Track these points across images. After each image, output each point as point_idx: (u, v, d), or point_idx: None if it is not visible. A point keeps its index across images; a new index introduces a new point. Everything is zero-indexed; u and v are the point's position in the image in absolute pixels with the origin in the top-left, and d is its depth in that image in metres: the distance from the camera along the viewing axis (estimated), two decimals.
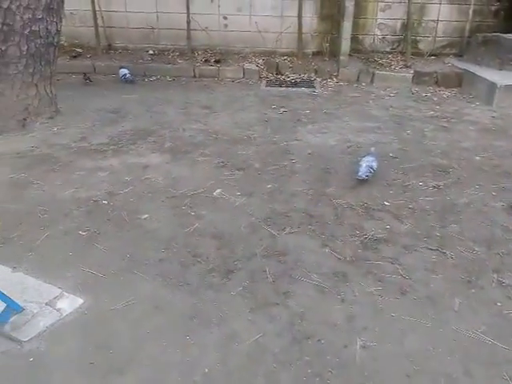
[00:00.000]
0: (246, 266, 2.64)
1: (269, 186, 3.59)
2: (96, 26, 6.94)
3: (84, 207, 3.21)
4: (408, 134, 4.68)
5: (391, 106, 5.55)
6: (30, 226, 2.98)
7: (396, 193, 3.50)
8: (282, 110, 5.42)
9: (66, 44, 6.96)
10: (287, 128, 4.84)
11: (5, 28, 4.12)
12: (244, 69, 6.73)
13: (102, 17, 7.05)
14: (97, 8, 6.90)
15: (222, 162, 3.96)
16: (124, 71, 6.38)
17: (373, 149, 3.89)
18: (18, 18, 4.14)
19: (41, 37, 4.34)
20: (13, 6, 4.08)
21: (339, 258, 2.73)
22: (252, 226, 3.05)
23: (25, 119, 4.53)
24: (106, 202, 3.29)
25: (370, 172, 3.62)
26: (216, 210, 3.23)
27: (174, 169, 3.83)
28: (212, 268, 2.62)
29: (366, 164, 3.65)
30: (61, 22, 4.53)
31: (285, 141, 4.48)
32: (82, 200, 3.31)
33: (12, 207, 3.20)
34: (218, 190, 3.48)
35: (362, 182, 3.59)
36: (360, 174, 3.59)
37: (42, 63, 4.48)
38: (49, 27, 4.37)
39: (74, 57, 6.96)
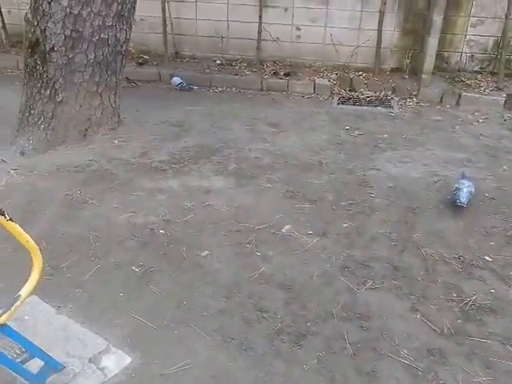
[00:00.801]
0: (321, 329, 2.24)
1: (345, 224, 3.17)
2: (165, 33, 6.78)
3: (139, 236, 2.93)
4: (505, 170, 4.09)
5: (482, 135, 4.95)
6: (81, 255, 2.72)
7: (498, 245, 2.97)
8: (357, 132, 4.97)
9: (133, 51, 6.84)
10: (363, 154, 4.39)
11: (74, 34, 3.96)
12: (315, 83, 6.33)
13: (172, 24, 6.89)
14: (167, 15, 6.74)
15: (291, 192, 3.58)
16: (178, 80, 6.16)
17: (464, 171, 3.45)
18: (87, 24, 3.97)
19: (109, 45, 4.15)
20: (83, 12, 3.91)
21: (434, 330, 2.26)
22: (326, 275, 2.64)
23: (86, 130, 4.36)
24: (163, 231, 3.00)
25: (469, 198, 3.28)
26: (284, 251, 2.85)
27: (238, 196, 3.49)
28: (280, 328, 2.23)
29: (467, 189, 3.28)
30: (130, 29, 4.33)
31: (361, 169, 4.03)
32: (137, 227, 3.03)
33: (64, 230, 2.97)
34: (287, 227, 3.10)
35: (456, 226, 3.10)
36: (463, 200, 3.22)
37: (108, 72, 4.29)
38: (118, 35, 4.17)
39: (141, 64, 6.83)
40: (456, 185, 3.40)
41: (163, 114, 5.20)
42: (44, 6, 3.86)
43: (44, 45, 3.96)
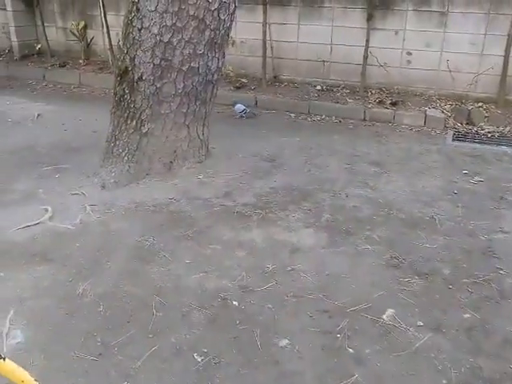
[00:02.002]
0: None
1: (466, 315, 2.40)
2: (264, 56, 6.35)
3: (208, 308, 2.41)
4: None
5: None
6: (139, 329, 2.26)
7: None
8: (477, 178, 4.09)
9: (231, 74, 6.50)
10: (486, 209, 3.53)
11: (163, 63, 3.61)
12: (426, 115, 5.49)
13: (272, 47, 6.44)
14: (267, 37, 6.31)
15: (396, 258, 2.86)
16: (241, 107, 5.62)
17: None
18: (177, 52, 3.59)
19: (199, 74, 3.75)
20: (174, 40, 3.54)
21: None
22: None
23: (171, 162, 3.99)
24: (236, 303, 2.45)
25: None
26: (385, 349, 2.16)
27: (329, 259, 2.85)
28: None
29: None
30: (223, 57, 3.90)
31: (484, 231, 3.19)
32: (208, 294, 2.51)
33: (127, 290, 2.54)
34: (390, 312, 2.40)
35: None
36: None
37: (197, 103, 3.89)
38: (209, 63, 3.76)
39: (238, 88, 6.46)
40: None
41: (255, 146, 4.71)
42: (134, 33, 3.55)
43: (132, 73, 3.66)
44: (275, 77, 6.65)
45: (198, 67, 3.71)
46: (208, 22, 3.55)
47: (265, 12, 6.13)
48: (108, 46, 6.85)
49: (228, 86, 6.36)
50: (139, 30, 3.53)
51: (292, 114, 5.85)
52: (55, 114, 5.73)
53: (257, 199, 3.61)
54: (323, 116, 5.81)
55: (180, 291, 2.54)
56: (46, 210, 3.32)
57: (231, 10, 3.64)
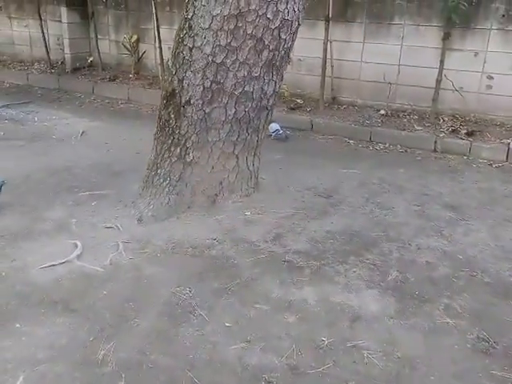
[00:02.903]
0: None
1: None
2: (323, 75, 5.94)
3: None
4: None
5: None
6: None
7: None
8: None
9: (286, 93, 6.13)
10: None
11: (214, 86, 3.27)
12: (509, 148, 4.88)
13: (332, 66, 6.02)
14: (328, 56, 5.90)
15: (485, 340, 2.34)
16: (274, 126, 5.23)
17: None
18: (231, 75, 3.25)
19: (253, 99, 3.38)
20: (227, 61, 3.20)
21: None
22: None
23: (216, 195, 3.64)
24: None
25: None
26: None
27: (399, 335, 2.37)
28: None
29: None
30: (281, 80, 3.53)
31: None
32: (249, 374, 2.10)
33: (154, 359, 2.17)
34: None
35: None
36: None
37: (249, 131, 3.53)
38: (265, 87, 3.39)
39: (293, 109, 6.08)
40: None
41: (310, 177, 4.30)
42: (185, 52, 3.24)
43: (180, 96, 3.34)
44: (334, 98, 6.22)
45: (253, 91, 3.35)
46: (267, 42, 3.18)
47: (327, 29, 5.74)
48: (159, 61, 6.67)
49: (282, 106, 5.99)
50: (190, 49, 3.22)
51: (351, 141, 5.40)
52: (100, 131, 5.56)
53: (311, 246, 3.17)
54: (387, 144, 5.31)
55: (216, 367, 2.14)
56: (76, 246, 3.04)
57: (293, 29, 3.26)
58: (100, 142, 5.15)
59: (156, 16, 6.47)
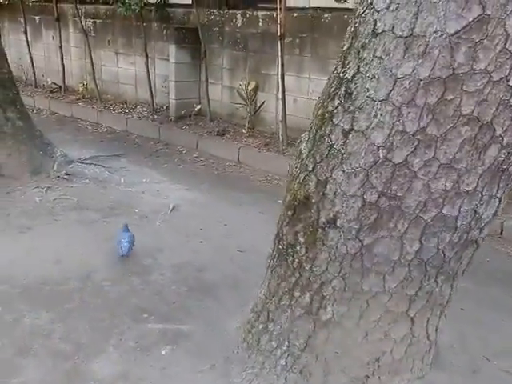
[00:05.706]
0: None
1: None
2: None
3: None
4: None
5: None
6: None
7: None
8: None
9: None
10: None
11: (383, 202, 1.90)
12: None
13: None
14: None
15: None
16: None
17: None
18: (418, 184, 1.85)
19: (456, 228, 1.94)
20: (415, 161, 1.82)
21: None
22: None
23: (367, 377, 2.21)
24: None
25: None
26: None
27: None
28: None
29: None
30: (505, 199, 2.05)
31: None
32: None
33: None
34: None
35: None
36: None
37: (439, 279, 2.07)
38: (480, 210, 1.93)
39: None
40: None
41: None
42: (334, 136, 1.94)
43: (318, 210, 2.02)
44: None
45: (457, 216, 1.91)
46: (499, 131, 1.75)
47: None
48: (280, 117, 5.51)
49: None
50: (345, 132, 1.90)
51: None
52: (195, 208, 4.46)
53: None
54: None
55: None
56: None
57: None
58: (193, 226, 4.04)
59: (282, 60, 5.34)
